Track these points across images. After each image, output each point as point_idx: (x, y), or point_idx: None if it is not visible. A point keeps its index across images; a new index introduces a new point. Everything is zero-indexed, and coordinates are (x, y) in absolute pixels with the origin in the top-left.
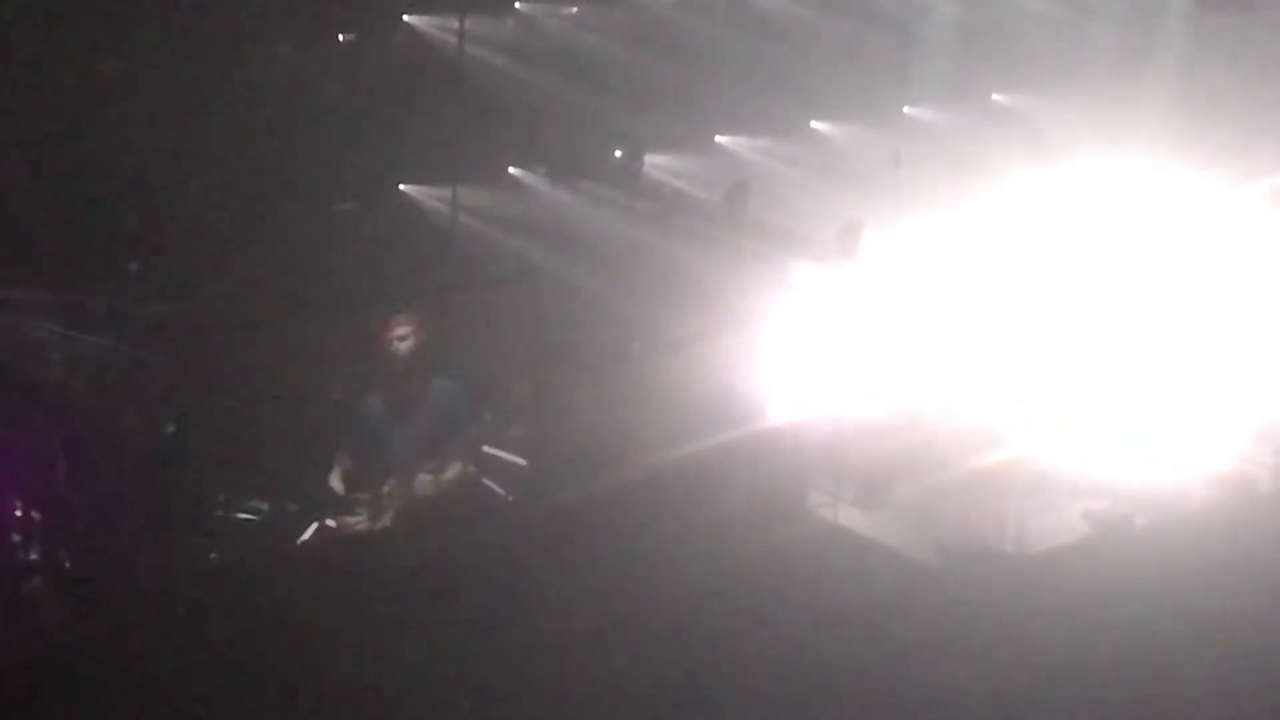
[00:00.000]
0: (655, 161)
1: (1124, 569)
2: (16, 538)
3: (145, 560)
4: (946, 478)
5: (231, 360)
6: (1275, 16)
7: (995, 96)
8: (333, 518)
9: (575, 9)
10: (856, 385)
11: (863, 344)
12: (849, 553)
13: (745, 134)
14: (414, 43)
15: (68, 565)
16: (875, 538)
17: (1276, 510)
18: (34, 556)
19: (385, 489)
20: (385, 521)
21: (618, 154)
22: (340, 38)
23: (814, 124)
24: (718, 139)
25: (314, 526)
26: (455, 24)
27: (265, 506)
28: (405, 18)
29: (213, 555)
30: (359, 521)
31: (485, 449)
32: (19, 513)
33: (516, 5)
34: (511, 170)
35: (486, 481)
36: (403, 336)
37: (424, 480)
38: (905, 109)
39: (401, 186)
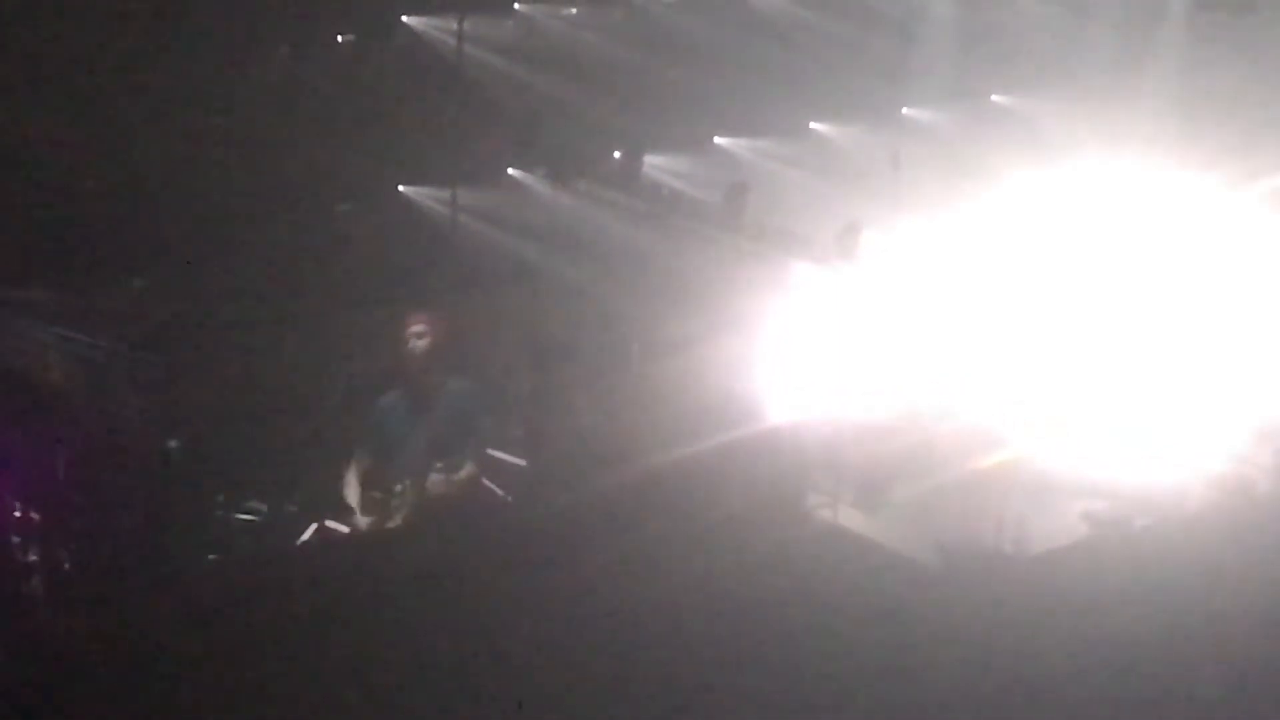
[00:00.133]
0: (654, 162)
1: (1123, 570)
2: (16, 538)
3: (144, 561)
4: (946, 478)
5: (231, 360)
6: (1275, 16)
7: (995, 97)
8: (345, 517)
9: (574, 10)
10: (856, 386)
11: (862, 345)
12: (848, 553)
13: (744, 135)
14: (413, 44)
15: (67, 566)
16: (875, 538)
17: (1276, 511)
18: (33, 557)
19: (398, 488)
20: (397, 521)
21: (617, 155)
22: (340, 39)
23: (813, 125)
24: (717, 140)
25: (314, 527)
26: (454, 25)
27: (264, 507)
28: (405, 19)
29: (211, 556)
30: (371, 521)
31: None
32: (18, 513)
33: (516, 6)
34: (510, 171)
35: (486, 482)
36: (420, 334)
37: (436, 480)
38: (904, 110)
39: (401, 187)
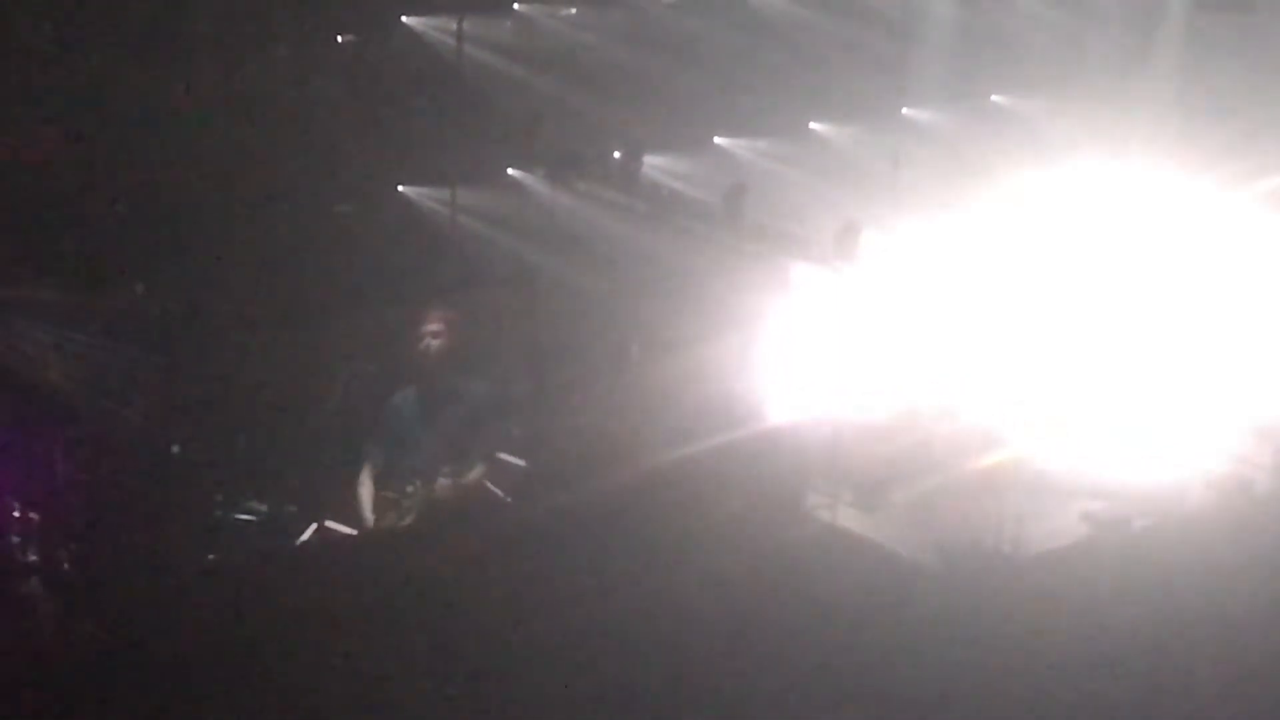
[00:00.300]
0: (654, 162)
1: (1122, 570)
2: (15, 539)
3: (144, 561)
4: (945, 479)
5: (231, 360)
6: (1275, 16)
7: (994, 97)
8: (355, 516)
9: (574, 10)
10: (855, 386)
11: (862, 345)
12: (848, 553)
13: (744, 135)
14: (413, 44)
15: (67, 566)
16: (874, 538)
17: (1275, 511)
18: (33, 557)
19: (409, 489)
20: (407, 521)
21: (616, 155)
22: (339, 39)
23: (813, 125)
24: (716, 140)
25: (313, 527)
26: (454, 25)
27: (264, 507)
28: (404, 19)
29: (211, 556)
30: (381, 520)
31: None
32: (18, 513)
33: (515, 6)
34: (510, 171)
35: (486, 483)
36: (436, 333)
37: (444, 485)
38: (904, 110)
39: (400, 188)
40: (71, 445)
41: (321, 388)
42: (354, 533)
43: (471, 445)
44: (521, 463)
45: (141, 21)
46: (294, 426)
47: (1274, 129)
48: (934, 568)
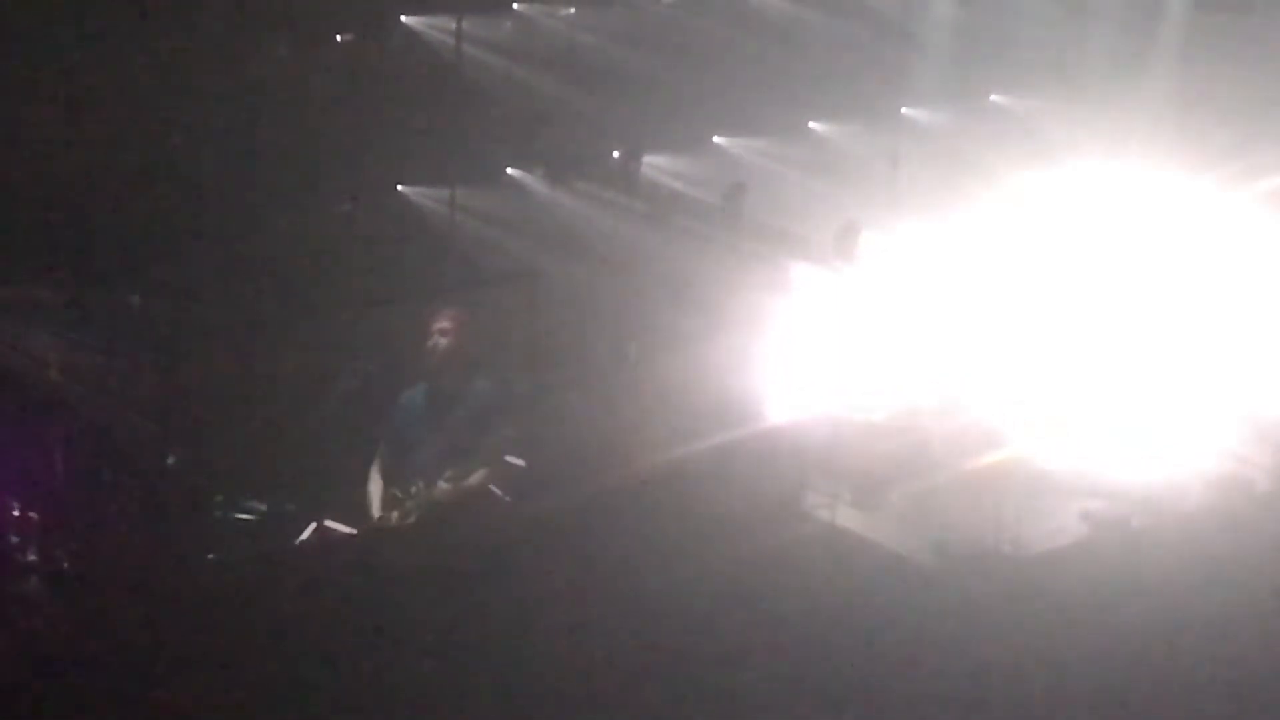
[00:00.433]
0: (653, 162)
1: (1122, 570)
2: (14, 538)
3: (143, 560)
4: (944, 478)
5: (230, 360)
6: (1274, 16)
7: (993, 97)
8: (361, 513)
9: (573, 9)
10: (855, 386)
11: (861, 345)
12: (847, 553)
13: (743, 134)
14: (412, 43)
15: (66, 566)
16: (873, 538)
17: (1274, 511)
18: (32, 557)
19: (413, 489)
20: (410, 520)
21: (616, 155)
22: (338, 38)
23: (812, 124)
24: (716, 139)
25: (312, 526)
26: (453, 25)
27: (263, 506)
28: (403, 18)
29: (210, 556)
30: (386, 519)
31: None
32: (17, 512)
33: (514, 6)
34: (509, 171)
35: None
36: (444, 331)
37: (444, 489)
38: (903, 109)
39: (399, 187)
40: (71, 445)
41: (320, 386)
42: (354, 532)
43: (475, 446)
44: (521, 462)
45: (141, 21)
46: (294, 426)
47: (1273, 129)
48: (933, 567)
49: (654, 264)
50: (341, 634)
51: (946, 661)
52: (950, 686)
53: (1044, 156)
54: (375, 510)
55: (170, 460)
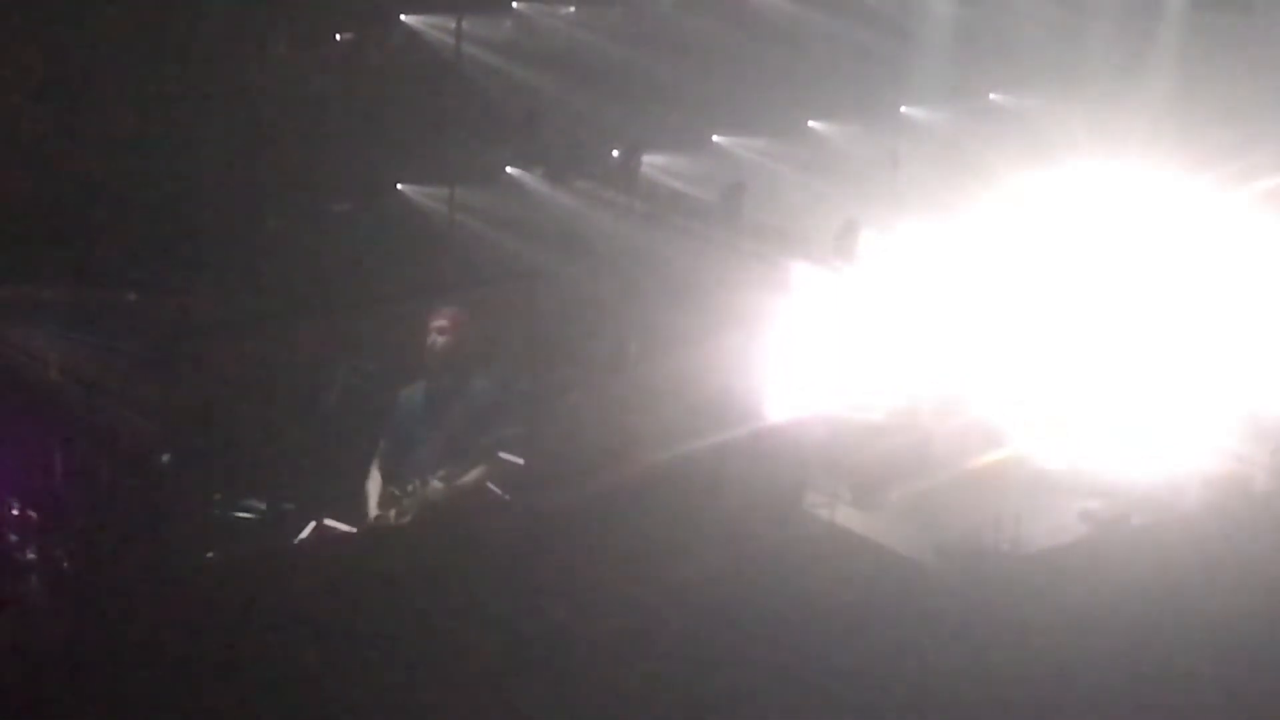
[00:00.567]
0: (652, 161)
1: (1121, 568)
2: (14, 537)
3: (143, 559)
4: (944, 477)
5: (229, 360)
6: (1274, 17)
7: (993, 96)
8: (359, 510)
9: (572, 9)
10: (854, 385)
11: (861, 344)
12: (847, 553)
13: (743, 133)
14: (412, 42)
15: (65, 564)
16: (873, 538)
17: (1272, 510)
18: (31, 555)
19: (410, 487)
20: (407, 518)
21: (615, 154)
22: (338, 37)
23: (811, 123)
24: (715, 138)
25: (312, 525)
26: (453, 24)
27: (262, 505)
28: (403, 18)
29: (210, 554)
30: (383, 516)
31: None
32: (16, 511)
33: (514, 5)
34: (509, 170)
35: (486, 482)
36: (443, 329)
37: (437, 488)
38: (903, 108)
39: (399, 186)
40: (71, 444)
41: (319, 386)
42: (352, 530)
43: (472, 444)
44: (520, 461)
45: (140, 22)
46: (292, 425)
47: (1272, 129)
48: (933, 566)
49: (653, 263)
50: (339, 631)
51: (946, 659)
52: (950, 684)
53: (1043, 156)
54: (372, 508)
55: (168, 457)
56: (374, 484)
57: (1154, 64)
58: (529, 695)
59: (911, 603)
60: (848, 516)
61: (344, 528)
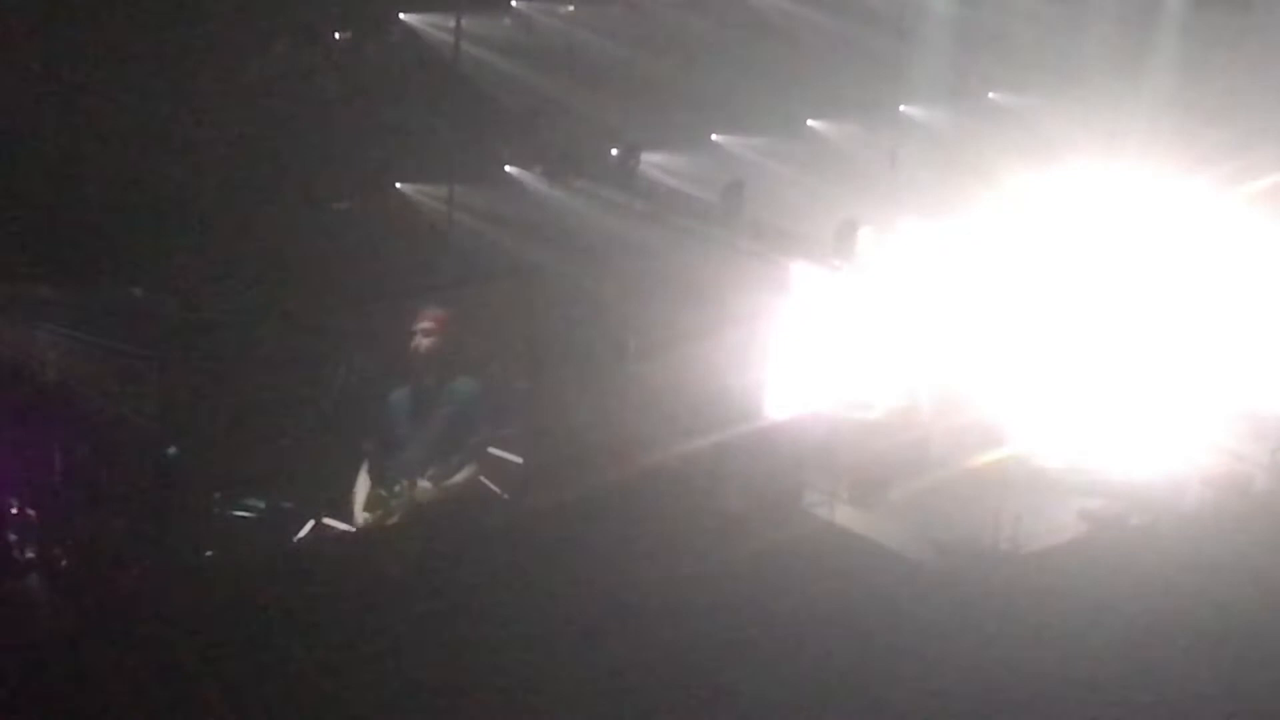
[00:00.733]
0: (651, 160)
1: (1119, 567)
2: (14, 536)
3: (142, 557)
4: (943, 476)
5: (229, 359)
6: (1273, 16)
7: (992, 95)
8: (348, 511)
9: (572, 8)
10: (853, 383)
11: (859, 342)
12: (845, 550)
13: (742, 132)
14: (411, 41)
15: (64, 563)
16: (872, 536)
17: (1271, 509)
18: (30, 554)
19: (396, 488)
20: (394, 519)
21: (614, 152)
22: (337, 36)
23: (810, 122)
24: (714, 137)
25: (310, 524)
26: (452, 23)
27: (262, 504)
28: (402, 16)
29: (209, 552)
30: (371, 517)
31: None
32: (15, 510)
33: (513, 4)
34: (508, 169)
35: (483, 480)
36: (427, 331)
37: (426, 488)
38: (902, 108)
39: (398, 185)
40: (71, 443)
41: (318, 385)
42: (350, 529)
43: (457, 445)
44: (518, 460)
45: (141, 20)
46: (291, 424)
47: (1271, 129)
48: (931, 564)
49: (652, 261)
50: (338, 630)
51: (945, 657)
52: (948, 682)
53: (1042, 154)
54: (358, 509)
55: (169, 452)
56: (360, 486)
57: (1153, 62)
58: (528, 689)
59: (910, 600)
60: (846, 515)
61: (342, 526)
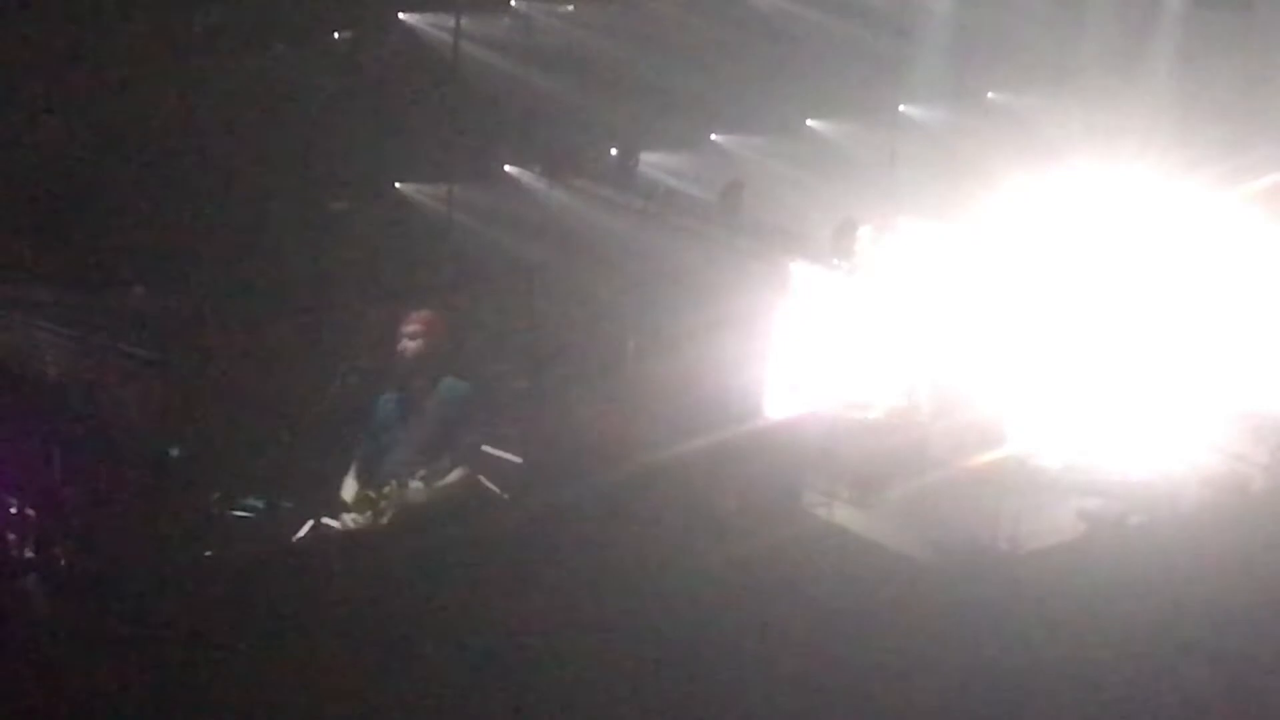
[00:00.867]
0: (651, 160)
1: (1119, 567)
2: (12, 536)
3: (141, 558)
4: (942, 476)
5: (228, 359)
6: (1274, 16)
7: (991, 95)
8: (338, 514)
9: (571, 7)
10: (852, 383)
11: (858, 342)
12: (844, 551)
13: (741, 132)
14: (410, 41)
15: (63, 563)
16: (871, 536)
17: (1271, 509)
18: (29, 554)
19: (385, 490)
20: (383, 521)
21: (613, 152)
22: (336, 35)
23: (810, 122)
24: (713, 137)
25: (310, 524)
26: (451, 22)
27: (261, 504)
28: (401, 16)
29: (208, 553)
30: (359, 519)
31: (484, 448)
32: (14, 510)
33: (512, 3)
34: (507, 168)
35: (482, 480)
36: (414, 334)
37: (416, 489)
38: (901, 107)
39: (397, 184)
40: (70, 443)
41: (317, 385)
42: (346, 530)
43: (447, 446)
44: (518, 460)
45: (141, 20)
46: (290, 424)
47: (1271, 129)
48: (930, 565)
49: (651, 261)
50: (338, 630)
51: (944, 659)
52: (948, 683)
53: (1042, 154)
54: (345, 513)
55: (169, 452)
56: (348, 489)
57: (1152, 61)
58: (526, 692)
59: (909, 601)
60: (846, 515)
61: (336, 526)
